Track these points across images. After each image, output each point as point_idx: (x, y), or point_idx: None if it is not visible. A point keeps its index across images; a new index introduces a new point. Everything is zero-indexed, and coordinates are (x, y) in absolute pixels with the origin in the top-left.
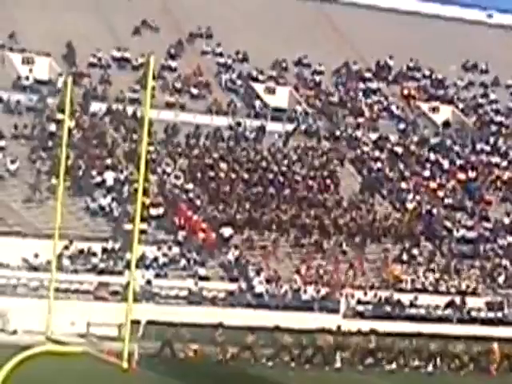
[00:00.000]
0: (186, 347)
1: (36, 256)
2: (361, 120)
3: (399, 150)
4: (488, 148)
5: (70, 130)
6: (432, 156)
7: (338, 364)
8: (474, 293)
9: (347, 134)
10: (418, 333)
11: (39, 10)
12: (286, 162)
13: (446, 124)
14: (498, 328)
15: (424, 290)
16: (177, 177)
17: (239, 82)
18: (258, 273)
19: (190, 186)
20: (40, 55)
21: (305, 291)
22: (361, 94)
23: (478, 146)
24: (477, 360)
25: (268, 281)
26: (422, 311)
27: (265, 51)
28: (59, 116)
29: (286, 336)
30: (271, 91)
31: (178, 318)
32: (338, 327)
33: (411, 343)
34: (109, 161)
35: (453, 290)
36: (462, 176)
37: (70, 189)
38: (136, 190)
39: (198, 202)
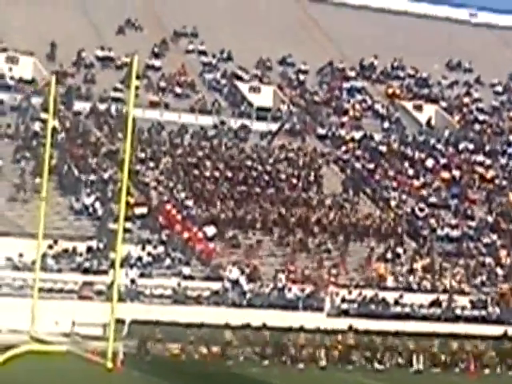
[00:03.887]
0: (170, 346)
1: (21, 255)
2: (345, 119)
3: (383, 148)
4: (472, 147)
5: (54, 130)
6: (416, 155)
7: (323, 362)
8: (459, 291)
9: (331, 133)
10: (403, 331)
11: (23, 8)
12: (270, 161)
13: (428, 123)
14: (482, 326)
15: (408, 289)
16: (161, 176)
17: (223, 81)
18: (242, 272)
19: (174, 185)
20: (24, 54)
21: (289, 290)
22: (345, 93)
23: (462, 145)
24: (460, 358)
25: (252, 280)
26: (407, 309)
27: (249, 50)
28: (43, 115)
29: (270, 334)
30: (256, 90)
31: (163, 317)
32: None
33: (396, 342)
34: (93, 160)
35: (437, 288)
36: (445, 175)
37: (55, 188)
38: (120, 190)
39: (183, 201)
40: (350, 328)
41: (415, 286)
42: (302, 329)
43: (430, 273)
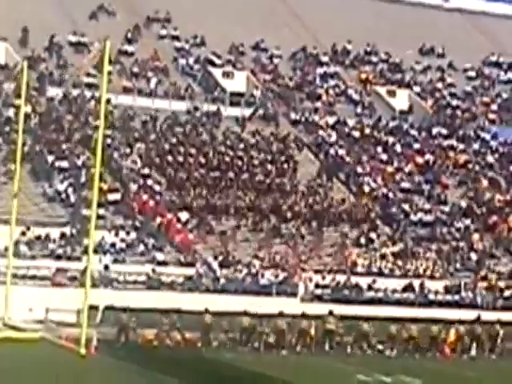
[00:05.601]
0: (144, 332)
1: None
2: (318, 104)
3: (356, 134)
4: (445, 132)
5: (26, 116)
6: (389, 140)
7: (298, 348)
8: (432, 276)
9: (305, 119)
10: (376, 316)
11: None
12: (243, 146)
13: (410, 108)
14: (456, 311)
15: (382, 274)
16: (134, 162)
17: (197, 67)
18: (216, 257)
19: (148, 170)
20: None
21: (263, 275)
22: (318, 78)
23: (435, 130)
24: (434, 343)
25: (226, 265)
26: (380, 294)
27: (222, 35)
28: (16, 101)
29: (244, 320)
30: (229, 75)
31: (137, 303)
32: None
33: (369, 326)
34: (66, 146)
35: (410, 273)
36: (419, 160)
37: (28, 174)
38: (93, 176)
39: (156, 187)
40: (331, 313)
41: (388, 271)
42: (275, 314)
43: (403, 258)
